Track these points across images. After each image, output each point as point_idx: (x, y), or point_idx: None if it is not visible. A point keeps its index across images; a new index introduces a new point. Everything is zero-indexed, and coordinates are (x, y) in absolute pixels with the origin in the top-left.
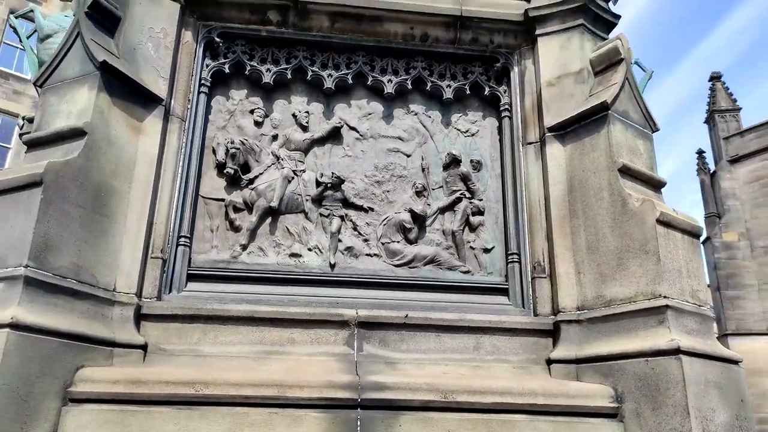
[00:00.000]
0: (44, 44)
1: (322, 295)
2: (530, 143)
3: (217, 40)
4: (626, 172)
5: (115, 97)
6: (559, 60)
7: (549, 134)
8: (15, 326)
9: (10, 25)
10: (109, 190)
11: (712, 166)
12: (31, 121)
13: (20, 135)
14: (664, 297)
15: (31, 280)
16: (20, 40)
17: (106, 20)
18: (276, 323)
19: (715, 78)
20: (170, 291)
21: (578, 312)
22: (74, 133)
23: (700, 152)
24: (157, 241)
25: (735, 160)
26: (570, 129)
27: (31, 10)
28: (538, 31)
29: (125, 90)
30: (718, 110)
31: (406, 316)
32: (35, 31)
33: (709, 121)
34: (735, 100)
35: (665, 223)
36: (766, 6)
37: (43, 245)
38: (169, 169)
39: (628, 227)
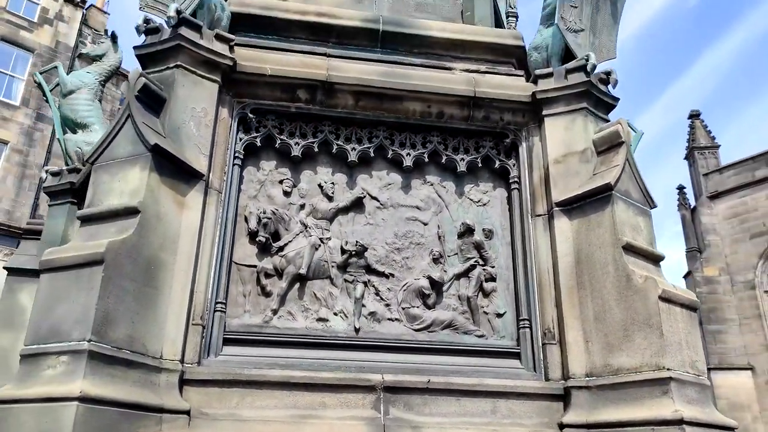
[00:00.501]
0: (67, 99)
1: (348, 359)
2: (539, 215)
3: (251, 115)
4: (629, 248)
5: (163, 176)
6: (564, 139)
7: (557, 209)
8: (83, 399)
9: (35, 80)
10: (157, 263)
11: (692, 202)
12: (54, 174)
13: (44, 188)
14: (668, 369)
15: (94, 354)
16: (44, 96)
17: (153, 102)
18: (309, 388)
19: (694, 116)
20: (208, 355)
21: (587, 378)
22: (128, 212)
23: (681, 188)
24: (197, 308)
25: (714, 196)
26: (576, 205)
27: (55, 66)
28: (544, 112)
29: (172, 169)
30: (697, 147)
31: (429, 381)
32: (57, 84)
33: (689, 157)
34: (714, 138)
35: (666, 299)
36: (742, 42)
37: (104, 319)
38: (208, 239)
39: (633, 302)
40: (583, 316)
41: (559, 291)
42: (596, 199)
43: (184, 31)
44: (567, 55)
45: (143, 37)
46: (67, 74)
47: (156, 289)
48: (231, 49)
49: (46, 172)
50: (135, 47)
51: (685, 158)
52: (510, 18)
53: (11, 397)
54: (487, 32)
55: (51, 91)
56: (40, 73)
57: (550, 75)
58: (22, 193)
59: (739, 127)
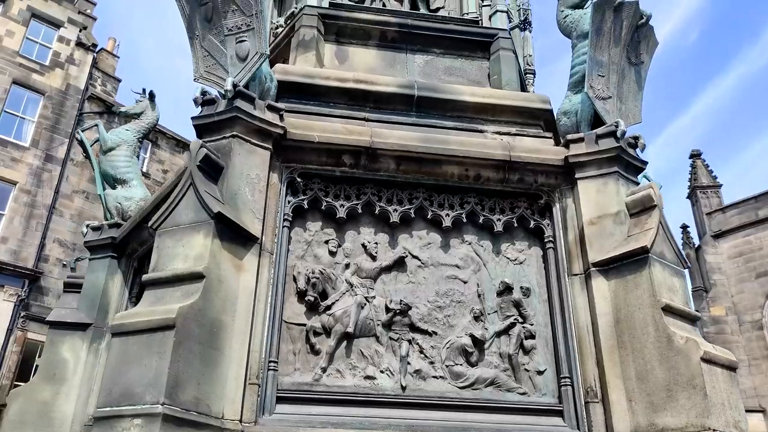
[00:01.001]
0: (107, 156)
1: (397, 417)
2: (575, 274)
3: (298, 179)
4: (668, 310)
5: (224, 240)
6: (597, 202)
7: (593, 269)
8: None
9: (77, 140)
10: (219, 324)
11: (696, 241)
12: (95, 229)
13: (85, 243)
14: (713, 430)
15: (167, 417)
16: (84, 153)
17: (212, 170)
18: None
19: (695, 155)
20: (263, 414)
21: None
22: (193, 276)
23: (685, 227)
24: (253, 368)
25: (718, 236)
26: (613, 266)
27: (96, 125)
28: (577, 175)
29: (231, 234)
30: (699, 186)
31: None
32: (96, 140)
33: (692, 196)
34: (715, 177)
35: (708, 360)
36: (741, 78)
37: (174, 382)
38: (262, 299)
39: (675, 362)
40: (625, 375)
41: (599, 350)
42: (633, 260)
43: (240, 102)
44: (596, 120)
45: (199, 108)
46: (79, 113)
47: (218, 350)
48: (281, 117)
49: (87, 226)
50: (192, 117)
51: (688, 197)
52: (527, 75)
53: None
54: (516, 96)
55: (91, 145)
56: (82, 131)
57: (581, 140)
58: (29, 233)
59: (741, 165)
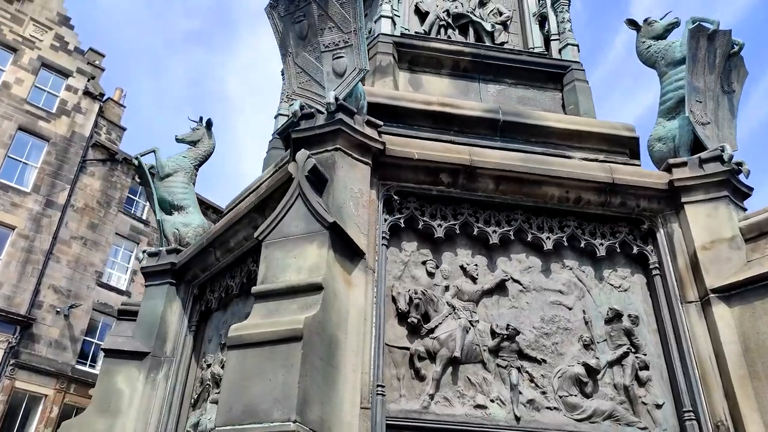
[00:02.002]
0: (164, 182)
1: None
2: (690, 302)
3: (395, 197)
4: None
5: (336, 253)
6: (707, 226)
7: (713, 295)
8: None
9: (134, 163)
10: (335, 341)
11: None
12: (151, 255)
13: (141, 269)
14: None
15: None
16: (140, 178)
17: (318, 182)
18: None
19: None
20: None
21: None
22: (310, 288)
23: None
24: (364, 391)
25: None
26: (736, 292)
27: (153, 151)
28: (683, 199)
29: (342, 246)
30: None
31: None
32: (152, 167)
33: None
34: None
35: None
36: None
37: (303, 399)
38: (368, 319)
39: None
40: (762, 408)
41: (728, 381)
42: (759, 286)
43: (342, 116)
44: (693, 146)
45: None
46: (82, 159)
47: (335, 368)
48: (379, 134)
49: (144, 252)
50: (292, 130)
51: None
52: None
53: None
54: (601, 123)
55: (149, 170)
56: (142, 156)
57: (683, 164)
58: (24, 278)
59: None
